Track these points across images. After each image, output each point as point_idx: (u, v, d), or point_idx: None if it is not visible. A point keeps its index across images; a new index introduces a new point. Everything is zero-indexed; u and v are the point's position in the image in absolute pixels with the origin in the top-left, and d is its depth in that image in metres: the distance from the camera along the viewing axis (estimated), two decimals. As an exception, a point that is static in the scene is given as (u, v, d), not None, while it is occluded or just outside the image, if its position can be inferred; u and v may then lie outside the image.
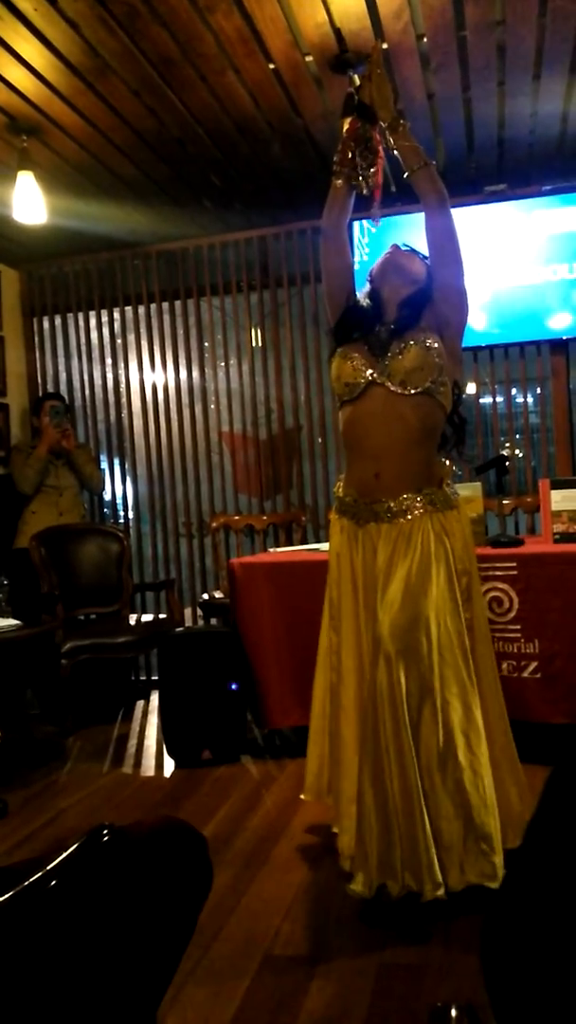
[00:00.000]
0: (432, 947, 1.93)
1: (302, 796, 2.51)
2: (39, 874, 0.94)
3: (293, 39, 2.96)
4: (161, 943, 1.14)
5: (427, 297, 2.23)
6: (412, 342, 2.16)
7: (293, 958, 1.92)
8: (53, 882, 0.93)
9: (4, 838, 2.73)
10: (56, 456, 4.60)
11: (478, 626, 2.21)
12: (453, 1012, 0.73)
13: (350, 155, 2.28)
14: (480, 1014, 0.78)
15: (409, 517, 2.15)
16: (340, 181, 2.30)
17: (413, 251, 2.31)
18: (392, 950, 1.92)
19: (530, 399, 4.58)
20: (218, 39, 2.93)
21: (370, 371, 2.19)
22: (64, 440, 4.57)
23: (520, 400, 4.67)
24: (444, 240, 2.21)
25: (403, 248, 2.31)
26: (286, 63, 3.12)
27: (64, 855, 0.99)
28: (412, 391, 2.15)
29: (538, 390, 4.53)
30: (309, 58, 3.09)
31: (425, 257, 2.28)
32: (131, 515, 5.12)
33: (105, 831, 1.04)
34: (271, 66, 3.13)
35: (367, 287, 2.35)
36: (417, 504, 2.16)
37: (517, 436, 4.67)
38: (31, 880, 0.93)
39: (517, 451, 4.71)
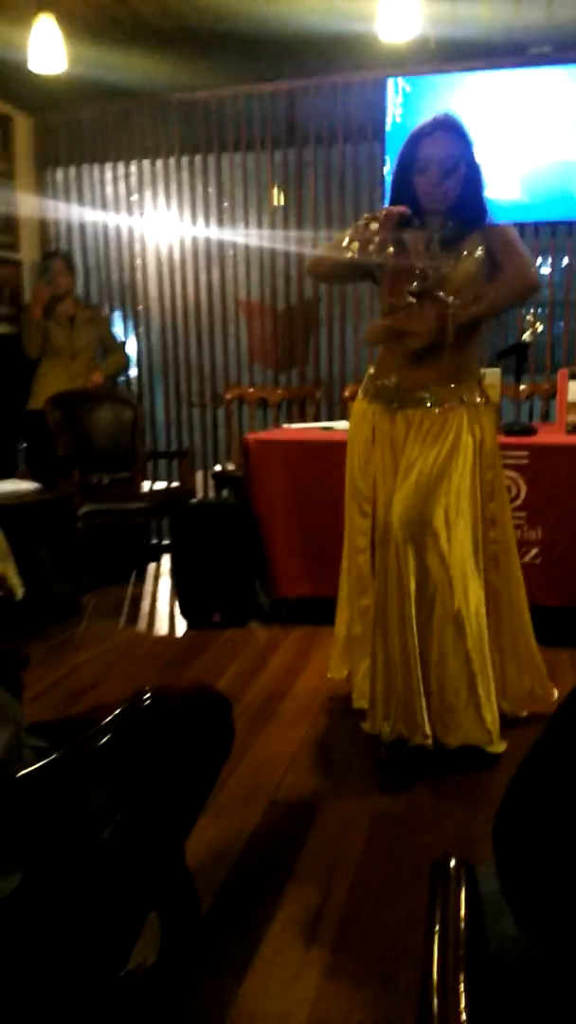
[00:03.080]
0: (421, 800, 2.14)
1: (329, 675, 2.69)
2: (92, 730, 1.06)
3: None
4: (191, 788, 1.30)
5: (480, 217, 2.21)
6: (465, 253, 2.19)
7: (295, 804, 2.14)
8: (106, 737, 1.06)
9: (28, 687, 2.92)
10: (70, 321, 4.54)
11: (503, 520, 2.36)
12: (452, 863, 0.86)
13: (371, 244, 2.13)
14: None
15: (446, 406, 2.24)
16: (349, 256, 2.18)
17: (456, 133, 2.17)
18: (386, 800, 2.13)
19: (556, 274, 4.46)
20: None
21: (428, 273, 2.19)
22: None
23: (546, 272, 4.55)
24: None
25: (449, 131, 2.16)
26: None
27: (111, 716, 1.11)
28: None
29: (564, 260, 4.39)
30: None
31: (467, 144, 2.19)
32: (144, 381, 5.11)
33: (146, 695, 1.17)
34: None
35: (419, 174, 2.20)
36: (454, 397, 2.25)
37: (539, 310, 4.58)
38: (86, 735, 1.06)
39: (539, 327, 4.63)
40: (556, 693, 2.51)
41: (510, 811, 0.70)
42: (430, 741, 2.21)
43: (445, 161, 2.13)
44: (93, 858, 1.07)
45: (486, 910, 0.93)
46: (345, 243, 2.19)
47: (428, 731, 2.20)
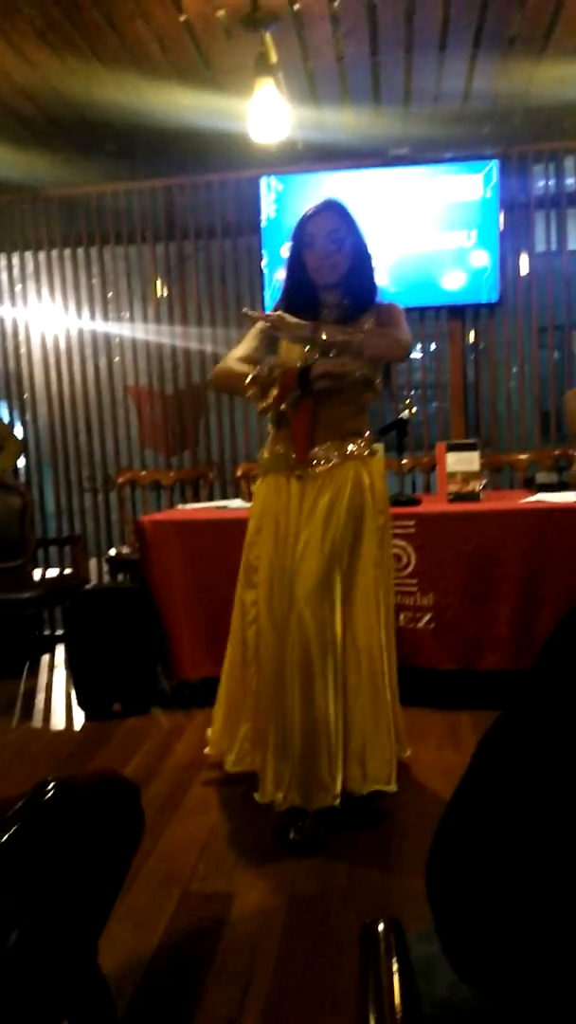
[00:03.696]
0: (336, 873, 2.10)
1: (206, 751, 2.67)
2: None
3: (205, -8, 2.93)
4: (102, 881, 1.23)
5: (371, 295, 2.32)
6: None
7: (210, 894, 2.05)
8: (7, 834, 1.00)
9: None
10: None
11: (388, 565, 2.44)
12: (380, 927, 0.85)
13: (272, 399, 2.23)
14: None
15: (333, 462, 2.32)
16: (250, 394, 2.27)
17: (341, 214, 2.33)
18: (302, 879, 2.08)
19: (427, 358, 4.76)
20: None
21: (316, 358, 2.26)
22: None
23: (417, 356, 4.84)
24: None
25: (332, 226, 2.30)
26: (197, 15, 3.07)
27: (12, 810, 1.06)
28: (351, 378, 2.27)
29: (432, 346, 4.70)
30: (221, 12, 3.06)
31: (352, 223, 2.34)
32: (33, 468, 5.03)
33: (49, 785, 1.12)
34: (182, 17, 3.08)
35: (308, 262, 2.33)
36: (339, 453, 2.33)
37: (414, 392, 4.85)
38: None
39: (414, 408, 4.88)
40: None
41: (441, 865, 0.70)
42: (338, 801, 2.22)
43: (332, 234, 2.28)
44: (-1, 967, 0.99)
45: (417, 973, 0.92)
46: (247, 383, 2.25)
47: (337, 790, 2.21)
